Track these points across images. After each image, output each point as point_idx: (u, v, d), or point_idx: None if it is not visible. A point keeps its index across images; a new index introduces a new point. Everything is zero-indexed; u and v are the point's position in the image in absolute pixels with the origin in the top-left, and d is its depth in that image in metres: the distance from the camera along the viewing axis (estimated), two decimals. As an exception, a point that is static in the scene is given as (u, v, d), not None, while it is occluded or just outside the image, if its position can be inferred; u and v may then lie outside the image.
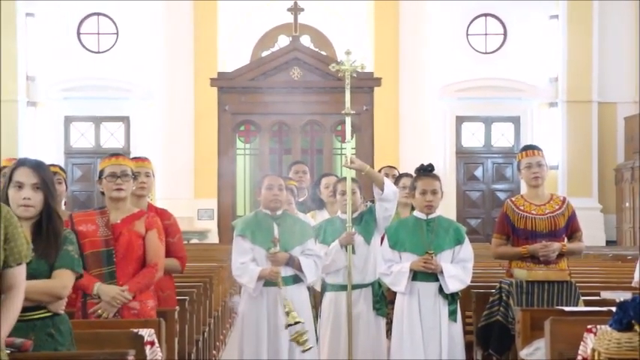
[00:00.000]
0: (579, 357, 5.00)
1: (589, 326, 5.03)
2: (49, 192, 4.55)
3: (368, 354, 7.39)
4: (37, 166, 4.59)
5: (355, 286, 7.39)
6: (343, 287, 7.40)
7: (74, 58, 21.66)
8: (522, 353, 6.19)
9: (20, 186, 4.56)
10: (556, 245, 6.93)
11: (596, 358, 4.48)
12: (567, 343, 5.34)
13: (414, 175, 7.29)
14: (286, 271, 6.98)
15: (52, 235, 4.51)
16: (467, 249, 7.02)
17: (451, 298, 6.93)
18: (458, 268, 6.92)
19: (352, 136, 7.87)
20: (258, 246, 7.00)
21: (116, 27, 22.11)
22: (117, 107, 21.76)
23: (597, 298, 6.94)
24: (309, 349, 6.74)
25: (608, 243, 21.54)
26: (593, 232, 21.05)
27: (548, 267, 6.90)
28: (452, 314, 6.91)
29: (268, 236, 7.00)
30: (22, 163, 4.63)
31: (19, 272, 3.86)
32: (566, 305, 6.64)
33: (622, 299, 4.66)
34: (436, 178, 7.07)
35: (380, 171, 8.57)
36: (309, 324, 7.03)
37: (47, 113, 21.54)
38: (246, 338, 7.01)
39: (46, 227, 4.51)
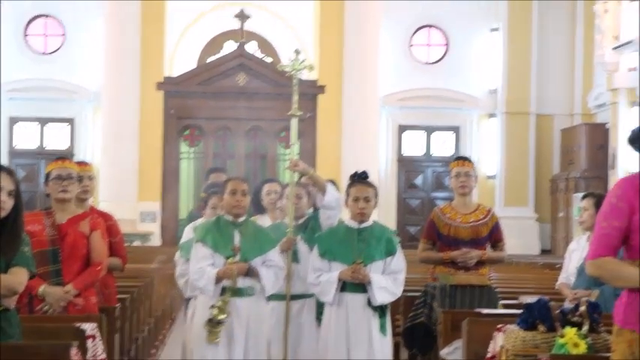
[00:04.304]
0: (489, 354, 5.39)
1: (499, 326, 5.43)
2: (20, 198, 4.81)
3: None
4: (12, 173, 4.79)
5: (299, 296, 7.19)
6: (283, 297, 7.08)
7: (20, 59, 21.76)
8: (443, 352, 6.58)
9: None
10: (475, 253, 7.30)
11: (503, 354, 4.88)
12: (482, 342, 5.72)
13: (348, 182, 7.03)
14: (244, 282, 6.70)
15: (15, 237, 4.76)
16: (398, 260, 6.80)
17: (380, 310, 6.72)
18: (388, 280, 6.69)
19: (295, 144, 7.73)
20: (219, 253, 6.71)
21: (63, 29, 22.26)
22: (62, 109, 21.89)
23: (516, 302, 7.37)
24: (214, 343, 6.52)
25: (543, 252, 22.06)
26: (528, 240, 21.64)
27: (470, 272, 7.30)
28: (382, 327, 6.72)
29: (229, 244, 6.72)
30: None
31: None
32: (486, 308, 7.04)
33: (529, 301, 5.07)
34: (370, 185, 6.88)
35: None
36: (262, 337, 6.82)
37: (-8, 113, 21.62)
38: (197, 347, 6.72)
39: (11, 229, 4.76)
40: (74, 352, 4.55)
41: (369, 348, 6.66)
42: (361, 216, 6.82)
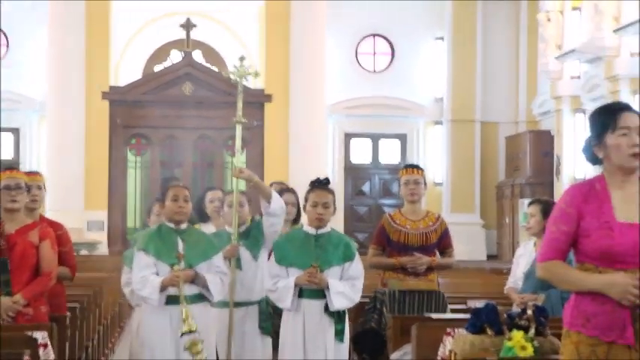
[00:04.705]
0: (438, 358, 5.48)
1: (448, 330, 5.52)
2: None
3: None
4: None
5: (241, 304, 7.11)
6: (226, 304, 6.99)
7: (-37, 68, 21.58)
8: (393, 357, 6.65)
9: None
10: (425, 259, 7.37)
11: (452, 358, 4.96)
12: (431, 347, 5.81)
13: (309, 187, 6.90)
14: (191, 289, 6.57)
15: None
16: (357, 266, 6.69)
17: (338, 317, 6.61)
18: (346, 286, 6.59)
19: (242, 148, 7.61)
20: (162, 262, 6.58)
21: (7, 38, 22.10)
22: (7, 118, 21.68)
23: (464, 306, 7.47)
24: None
25: (489, 257, 22.28)
26: (474, 246, 21.84)
27: (419, 277, 7.38)
28: (338, 334, 6.61)
29: (172, 251, 6.61)
30: None
31: None
32: (435, 313, 7.13)
33: (477, 306, 5.16)
34: (329, 191, 6.79)
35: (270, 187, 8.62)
36: (212, 345, 6.73)
37: None
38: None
39: None
40: (26, 360, 4.56)
41: (325, 355, 6.57)
42: (319, 222, 6.72)
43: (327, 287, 6.54)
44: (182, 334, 6.36)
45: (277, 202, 7.06)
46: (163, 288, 6.49)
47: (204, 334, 6.53)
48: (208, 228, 7.77)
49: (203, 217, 8.05)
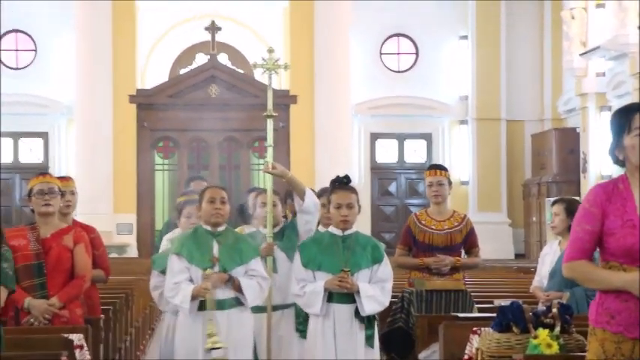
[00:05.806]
0: (466, 356, 5.58)
1: (474, 328, 5.61)
2: None
3: None
4: None
5: (276, 307, 6.94)
6: (262, 308, 6.78)
7: (-7, 74, 21.81)
8: (421, 356, 6.75)
9: None
10: (448, 260, 7.45)
11: (479, 356, 5.06)
12: (459, 345, 5.90)
13: (330, 188, 6.66)
14: (225, 294, 6.34)
15: None
16: (386, 268, 6.46)
17: (368, 322, 6.37)
18: (376, 289, 6.35)
19: (272, 145, 7.19)
20: (195, 265, 6.35)
21: (35, 44, 22.32)
22: (36, 123, 21.94)
23: (491, 305, 7.56)
24: None
25: (517, 256, 22.29)
26: (502, 245, 21.85)
27: (445, 277, 7.47)
28: (368, 339, 6.37)
29: (206, 255, 6.37)
30: None
31: None
32: (462, 312, 7.22)
33: (502, 304, 5.26)
34: (352, 190, 6.52)
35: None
36: (249, 350, 6.48)
37: (-35, 129, 21.61)
38: None
39: None
40: (64, 361, 4.69)
41: None
42: (344, 224, 6.45)
43: (358, 291, 6.31)
44: (207, 350, 6.15)
45: (311, 199, 6.88)
46: (194, 297, 6.28)
47: (240, 339, 6.36)
48: (251, 229, 7.54)
49: (246, 219, 7.87)
